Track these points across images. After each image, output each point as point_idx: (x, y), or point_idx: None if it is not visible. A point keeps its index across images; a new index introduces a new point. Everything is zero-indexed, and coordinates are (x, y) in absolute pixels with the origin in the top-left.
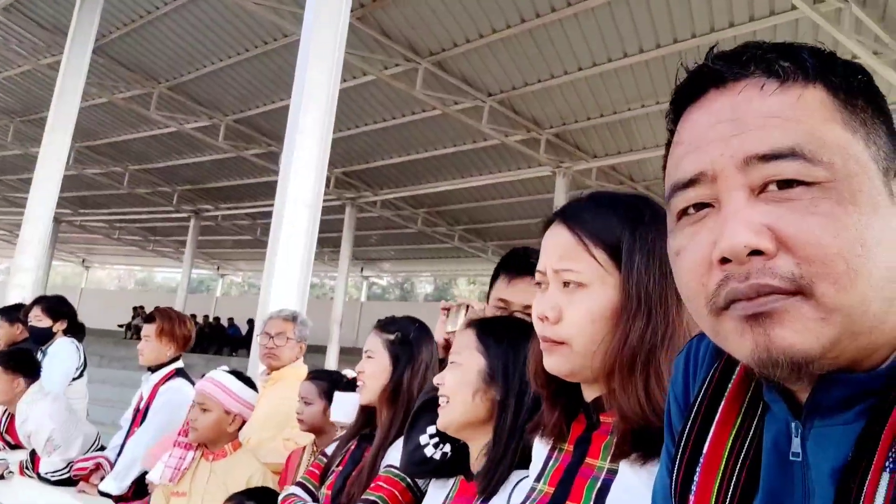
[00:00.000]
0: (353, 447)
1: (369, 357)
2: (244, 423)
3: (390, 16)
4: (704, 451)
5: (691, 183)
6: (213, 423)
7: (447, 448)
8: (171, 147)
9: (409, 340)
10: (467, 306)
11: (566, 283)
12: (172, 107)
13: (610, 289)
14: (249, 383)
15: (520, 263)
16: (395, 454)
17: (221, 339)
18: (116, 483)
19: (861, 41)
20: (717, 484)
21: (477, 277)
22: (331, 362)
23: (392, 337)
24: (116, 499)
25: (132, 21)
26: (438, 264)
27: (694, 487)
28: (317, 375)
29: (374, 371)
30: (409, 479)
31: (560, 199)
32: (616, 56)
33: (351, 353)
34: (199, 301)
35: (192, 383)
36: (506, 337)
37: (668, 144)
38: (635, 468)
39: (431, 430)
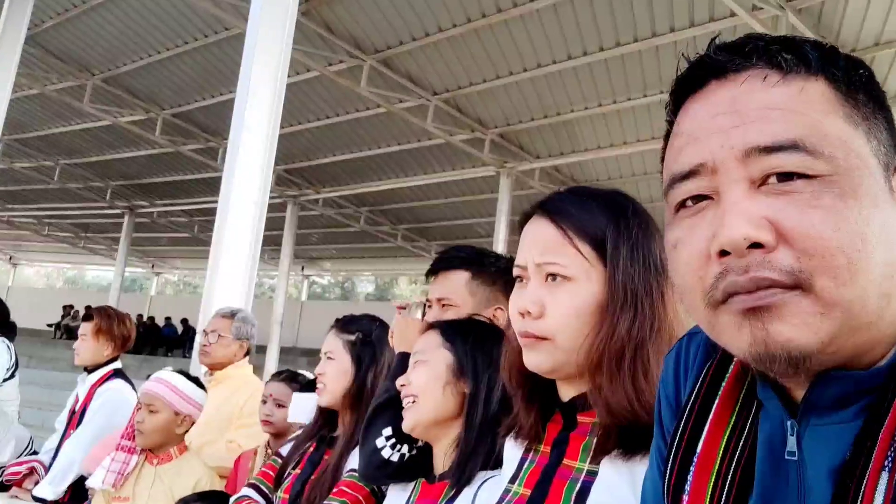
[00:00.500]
0: (311, 449)
1: (329, 358)
2: (192, 424)
3: (335, 12)
4: (698, 450)
5: (690, 175)
6: (162, 425)
7: (405, 449)
8: (105, 141)
9: (371, 340)
10: (424, 304)
11: (549, 277)
12: (107, 99)
13: (594, 283)
14: (198, 384)
15: (436, 262)
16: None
17: (156, 340)
18: (52, 488)
19: None
20: (712, 484)
21: (419, 277)
22: (271, 363)
23: (353, 337)
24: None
25: (66, 10)
26: (380, 264)
27: (687, 488)
28: (289, 376)
29: (336, 373)
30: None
31: (504, 199)
32: (560, 58)
33: (290, 353)
34: (132, 300)
35: (132, 384)
36: (471, 334)
37: (667, 136)
38: (617, 467)
39: (387, 431)
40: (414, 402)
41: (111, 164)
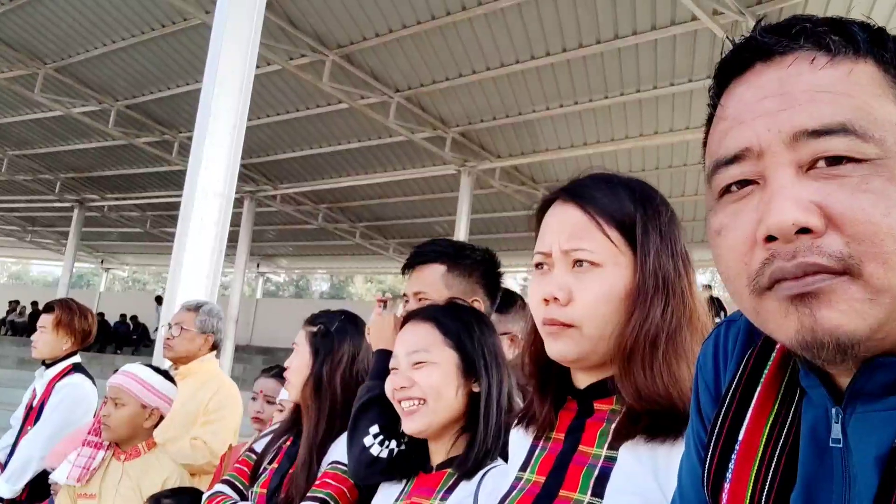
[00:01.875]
0: (288, 444)
1: (295, 349)
2: (161, 418)
3: (298, 5)
4: (740, 438)
5: (735, 159)
6: (129, 419)
7: (393, 444)
8: (56, 132)
9: (330, 332)
10: (405, 296)
11: (576, 264)
12: (59, 89)
13: (623, 269)
14: (167, 377)
15: (412, 257)
16: (342, 450)
17: (105, 337)
18: (9, 486)
19: None
20: (755, 472)
21: (375, 275)
22: (226, 361)
23: (315, 329)
24: (8, 502)
25: None
26: (336, 262)
27: (729, 475)
28: (279, 372)
29: (298, 365)
30: None
31: (465, 197)
32: (523, 58)
33: (246, 351)
34: (80, 296)
35: (92, 379)
36: (468, 325)
37: (710, 120)
38: (638, 453)
39: (374, 429)
40: (422, 404)
41: (61, 155)
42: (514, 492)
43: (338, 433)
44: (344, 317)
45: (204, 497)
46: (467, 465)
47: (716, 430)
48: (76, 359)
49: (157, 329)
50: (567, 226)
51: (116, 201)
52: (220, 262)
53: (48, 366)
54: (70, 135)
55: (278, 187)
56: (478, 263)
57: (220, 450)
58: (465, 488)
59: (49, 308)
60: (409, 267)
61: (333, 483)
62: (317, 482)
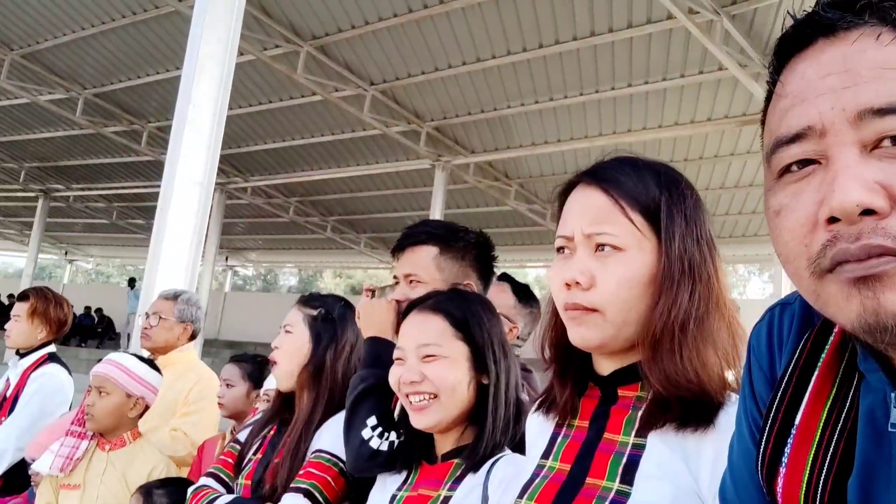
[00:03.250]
0: (271, 433)
1: (287, 332)
2: (147, 408)
3: None
4: (797, 422)
5: (797, 138)
6: (113, 408)
7: (392, 436)
8: (21, 120)
9: (333, 318)
10: (395, 279)
11: (599, 248)
12: (25, 76)
13: (647, 253)
14: (153, 366)
15: (403, 238)
16: (326, 438)
17: (70, 329)
18: None
19: (729, 52)
20: (811, 457)
21: (344, 270)
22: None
23: (314, 312)
24: None
25: None
26: (306, 255)
27: (785, 459)
28: (240, 358)
29: (292, 348)
30: (342, 464)
31: (438, 192)
32: (500, 53)
33: (213, 345)
34: None
35: (67, 369)
36: (476, 314)
37: (769, 98)
38: (667, 440)
39: (372, 421)
40: (433, 399)
41: (26, 144)
42: (538, 479)
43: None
44: (344, 302)
45: (189, 491)
46: (475, 458)
47: (771, 414)
48: (51, 348)
49: (129, 316)
50: (590, 209)
51: (82, 192)
52: (199, 252)
53: (22, 355)
54: (36, 123)
55: (249, 179)
56: (471, 245)
57: (200, 441)
58: (473, 479)
59: (24, 296)
60: (399, 249)
61: (317, 473)
62: (300, 472)
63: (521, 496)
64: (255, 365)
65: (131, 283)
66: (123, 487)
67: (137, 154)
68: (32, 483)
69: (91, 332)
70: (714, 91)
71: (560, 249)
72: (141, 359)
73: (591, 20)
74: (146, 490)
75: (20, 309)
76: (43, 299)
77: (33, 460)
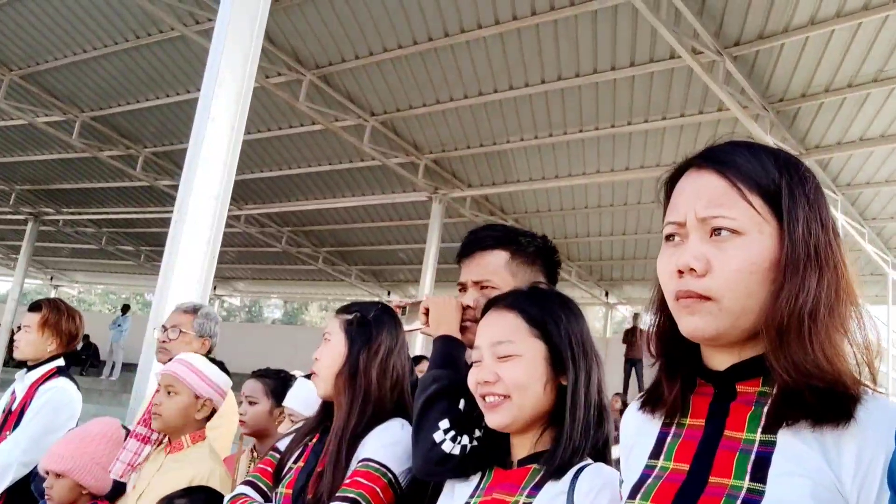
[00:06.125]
0: (313, 441)
1: (326, 339)
2: (214, 411)
3: (278, 22)
4: None
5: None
6: (181, 409)
7: (465, 440)
8: (15, 142)
9: (367, 321)
10: (460, 286)
11: (714, 232)
12: (23, 97)
13: (767, 237)
14: (223, 368)
15: (470, 243)
16: (374, 446)
17: None
18: None
19: (730, 92)
20: None
21: (332, 303)
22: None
23: (350, 317)
24: None
25: None
26: (294, 287)
27: None
28: (262, 373)
29: (331, 355)
30: (391, 475)
31: (435, 225)
32: (502, 87)
33: None
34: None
35: (76, 384)
36: (554, 312)
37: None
38: (802, 436)
39: (444, 424)
40: (508, 399)
41: (19, 166)
42: (650, 479)
43: (369, 428)
44: (381, 306)
45: (226, 499)
46: (555, 463)
47: None
48: (60, 362)
49: (112, 345)
50: (705, 192)
51: (72, 216)
52: (212, 267)
53: (30, 368)
54: (30, 145)
55: (243, 207)
56: (540, 250)
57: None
58: (555, 486)
59: (36, 307)
60: (466, 254)
61: (366, 482)
62: (347, 481)
63: (632, 497)
64: (279, 381)
65: (125, 309)
66: (166, 493)
67: (131, 179)
68: (47, 497)
69: (76, 358)
70: (713, 131)
71: (669, 237)
72: (212, 360)
73: (594, 58)
74: (168, 501)
75: (31, 319)
76: (55, 311)
77: (47, 473)
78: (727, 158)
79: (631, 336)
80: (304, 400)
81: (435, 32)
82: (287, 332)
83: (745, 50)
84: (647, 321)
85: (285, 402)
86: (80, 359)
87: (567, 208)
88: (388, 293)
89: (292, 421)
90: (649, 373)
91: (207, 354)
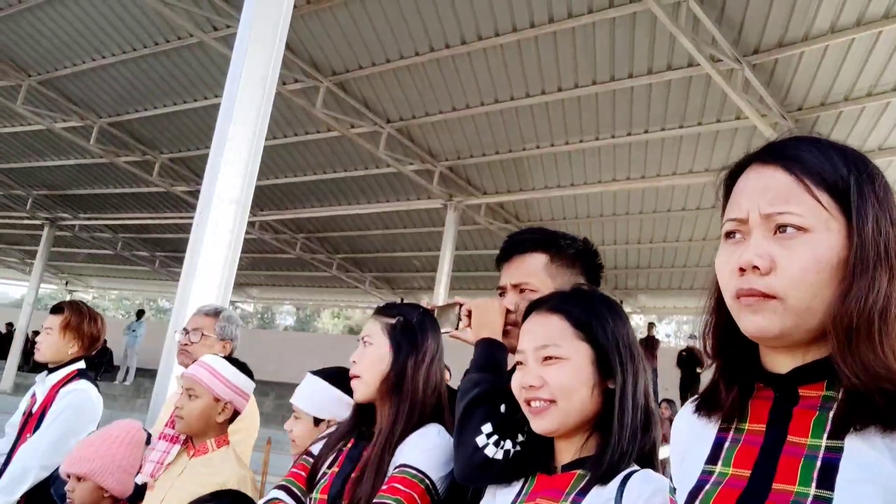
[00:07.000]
0: (349, 446)
1: (367, 343)
2: (237, 414)
3: (296, 30)
4: None
5: None
6: (201, 412)
7: (508, 445)
8: (33, 147)
9: (413, 326)
10: (459, 304)
11: (779, 230)
12: (41, 102)
13: (835, 235)
14: (245, 370)
15: (509, 247)
16: (411, 452)
17: None
18: (4, 496)
19: (749, 101)
20: None
21: (343, 310)
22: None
23: (393, 321)
24: None
25: (9, 6)
26: (307, 293)
27: None
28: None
29: (372, 359)
30: (428, 481)
31: (450, 232)
32: (518, 95)
33: None
34: (41, 319)
35: (97, 387)
36: (599, 314)
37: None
38: (871, 441)
39: (487, 428)
40: (552, 404)
41: (37, 171)
42: (709, 486)
43: (406, 433)
44: (422, 310)
45: (261, 503)
46: (601, 468)
47: None
48: (81, 364)
49: (126, 349)
50: (770, 188)
51: (88, 221)
52: (233, 271)
53: (51, 370)
54: (48, 150)
55: (258, 214)
56: (580, 253)
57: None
58: (602, 492)
59: (58, 309)
60: (505, 258)
61: (403, 489)
62: (384, 487)
63: (690, 503)
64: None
65: (139, 314)
66: (190, 497)
67: (147, 185)
68: (68, 500)
69: (93, 363)
70: (730, 140)
71: (729, 235)
72: (233, 362)
73: (611, 65)
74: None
75: (53, 322)
76: (77, 313)
77: (69, 476)
78: (793, 153)
79: (646, 345)
80: (309, 398)
81: (452, 40)
82: (299, 338)
83: (765, 58)
84: (657, 330)
85: (292, 399)
86: (96, 364)
87: (582, 216)
88: (402, 300)
89: (296, 417)
90: (661, 381)
91: (229, 357)
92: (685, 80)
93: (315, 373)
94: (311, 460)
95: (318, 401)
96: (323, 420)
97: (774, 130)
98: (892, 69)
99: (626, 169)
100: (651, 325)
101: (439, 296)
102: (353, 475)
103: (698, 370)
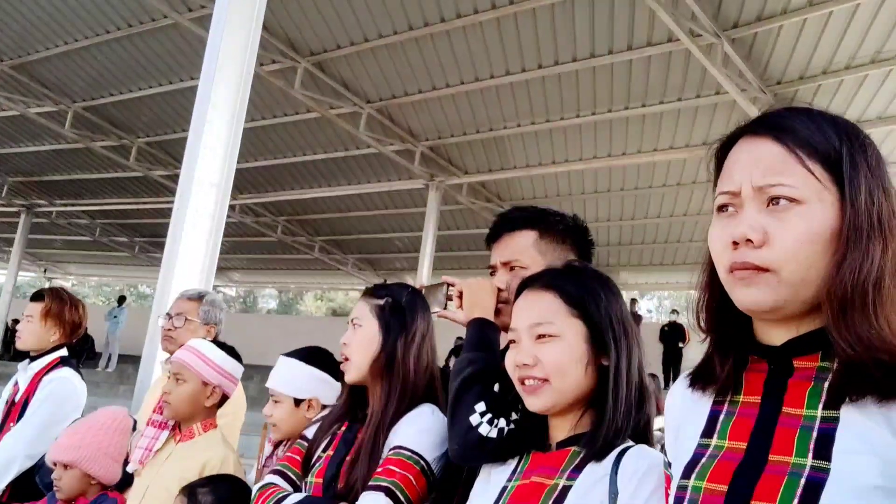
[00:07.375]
0: (343, 429)
1: (357, 325)
2: (225, 398)
3: (272, 9)
4: None
5: None
6: (189, 396)
7: (502, 423)
8: (7, 133)
9: (402, 306)
10: (447, 284)
11: (772, 202)
12: (14, 88)
13: (828, 206)
14: (233, 353)
15: (498, 225)
16: (406, 434)
17: None
18: None
19: (728, 75)
20: None
21: (326, 293)
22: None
23: (382, 302)
24: None
25: None
26: (289, 276)
27: None
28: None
29: (362, 341)
30: (423, 462)
31: (432, 213)
32: (498, 73)
33: None
34: (20, 307)
35: (80, 374)
36: (592, 290)
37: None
38: (867, 412)
39: (481, 407)
40: (545, 382)
41: (11, 158)
42: (705, 459)
43: (400, 414)
44: (411, 290)
45: (255, 489)
46: (596, 444)
47: None
48: (63, 352)
49: (108, 336)
50: (762, 160)
51: (65, 207)
52: (215, 255)
53: (33, 358)
54: (21, 136)
55: (238, 197)
56: (570, 229)
57: None
58: (597, 469)
59: (38, 296)
60: (494, 237)
61: (399, 471)
62: (379, 469)
63: (686, 477)
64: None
65: (121, 300)
66: (177, 481)
67: (125, 169)
68: (55, 488)
69: (74, 350)
70: (710, 115)
71: (722, 208)
72: (221, 346)
73: (591, 42)
74: (190, 490)
75: (33, 309)
76: (58, 300)
77: (55, 464)
78: (785, 124)
79: None
80: (288, 380)
81: (431, 17)
82: (282, 321)
83: (744, 32)
84: (645, 305)
85: (268, 384)
86: (78, 351)
87: (564, 194)
88: (385, 282)
89: (275, 402)
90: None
91: (215, 341)
92: (665, 56)
93: (289, 354)
94: (306, 444)
95: (297, 381)
96: (303, 401)
97: (754, 105)
98: (869, 42)
99: (608, 146)
100: (633, 301)
101: (423, 276)
102: (347, 458)
103: (680, 345)
